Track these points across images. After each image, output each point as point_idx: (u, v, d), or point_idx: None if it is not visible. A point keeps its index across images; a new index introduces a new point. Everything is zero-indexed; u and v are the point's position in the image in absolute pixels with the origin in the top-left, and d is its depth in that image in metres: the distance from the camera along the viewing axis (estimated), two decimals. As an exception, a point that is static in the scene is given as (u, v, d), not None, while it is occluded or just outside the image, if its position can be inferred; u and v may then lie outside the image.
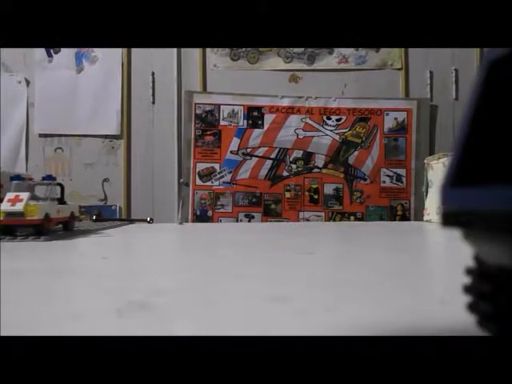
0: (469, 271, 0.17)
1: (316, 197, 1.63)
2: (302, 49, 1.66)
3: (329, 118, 1.64)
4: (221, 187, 1.62)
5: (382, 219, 1.61)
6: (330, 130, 1.64)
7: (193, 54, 1.67)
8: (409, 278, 0.38)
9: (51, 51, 1.67)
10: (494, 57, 0.16)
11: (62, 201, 0.82)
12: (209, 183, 1.62)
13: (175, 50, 1.66)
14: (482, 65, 0.17)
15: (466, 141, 0.16)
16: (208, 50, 1.68)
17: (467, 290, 0.17)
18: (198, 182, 1.62)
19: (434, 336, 0.18)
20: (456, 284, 0.20)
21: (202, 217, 1.60)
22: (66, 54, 1.67)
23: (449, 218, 0.16)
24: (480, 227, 0.15)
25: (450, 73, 1.68)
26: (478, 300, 0.17)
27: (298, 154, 1.63)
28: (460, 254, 0.31)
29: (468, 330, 0.17)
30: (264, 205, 1.62)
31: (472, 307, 0.17)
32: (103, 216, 1.49)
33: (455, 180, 0.16)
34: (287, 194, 1.63)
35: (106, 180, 1.68)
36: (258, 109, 1.63)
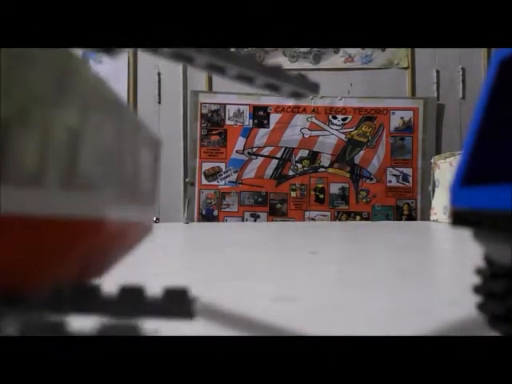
0: (479, 271, 0.17)
1: (322, 196, 1.63)
2: (308, 48, 1.66)
3: (334, 118, 1.64)
4: (226, 187, 1.62)
5: (388, 219, 1.60)
6: (336, 130, 1.63)
7: (198, 54, 1.67)
8: (418, 278, 0.38)
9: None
10: (504, 56, 0.16)
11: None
12: (214, 183, 1.62)
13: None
14: (491, 64, 0.16)
15: (476, 140, 0.16)
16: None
17: (477, 289, 0.17)
18: (204, 181, 1.62)
19: (443, 336, 0.18)
20: (466, 284, 0.20)
21: (207, 216, 1.61)
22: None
23: (458, 218, 0.16)
24: (489, 227, 0.15)
25: (457, 72, 1.67)
26: (488, 300, 0.17)
27: (303, 153, 1.63)
28: (469, 253, 0.31)
29: (478, 330, 0.17)
30: (270, 204, 1.62)
31: (482, 307, 0.17)
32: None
33: (465, 179, 0.16)
34: (293, 194, 1.63)
35: (112, 179, 1.69)
36: (264, 108, 1.63)
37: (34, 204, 0.10)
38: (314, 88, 0.18)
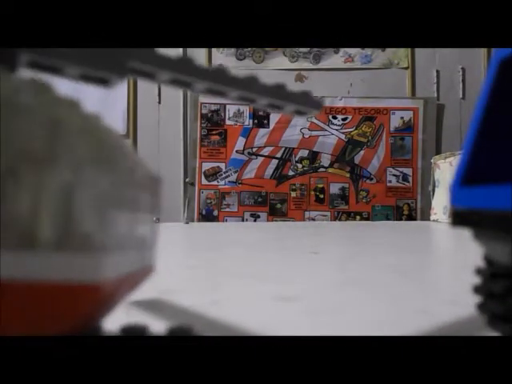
0: (479, 271, 0.17)
1: (322, 196, 1.63)
2: (308, 48, 1.66)
3: (334, 118, 1.64)
4: (226, 187, 1.62)
5: (388, 219, 1.60)
6: (336, 130, 1.63)
7: (198, 54, 1.67)
8: (418, 278, 0.38)
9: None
10: (504, 56, 0.16)
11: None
12: (214, 183, 1.62)
13: (181, 50, 1.67)
14: (491, 64, 0.16)
15: (476, 140, 0.16)
16: (214, 49, 1.68)
17: (477, 289, 0.17)
18: (204, 181, 1.62)
19: (443, 336, 0.18)
20: (466, 284, 0.20)
21: (207, 216, 1.61)
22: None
23: (458, 218, 0.16)
24: (489, 227, 0.15)
25: (457, 72, 1.67)
26: (488, 300, 0.17)
27: (303, 153, 1.63)
28: (469, 253, 0.31)
29: (478, 330, 0.17)
30: (270, 204, 1.62)
31: (482, 307, 0.17)
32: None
33: (465, 179, 0.16)
34: (293, 194, 1.63)
35: (112, 179, 1.69)
36: (264, 108, 1.63)
37: (27, 268, 0.10)
38: (316, 106, 0.18)
